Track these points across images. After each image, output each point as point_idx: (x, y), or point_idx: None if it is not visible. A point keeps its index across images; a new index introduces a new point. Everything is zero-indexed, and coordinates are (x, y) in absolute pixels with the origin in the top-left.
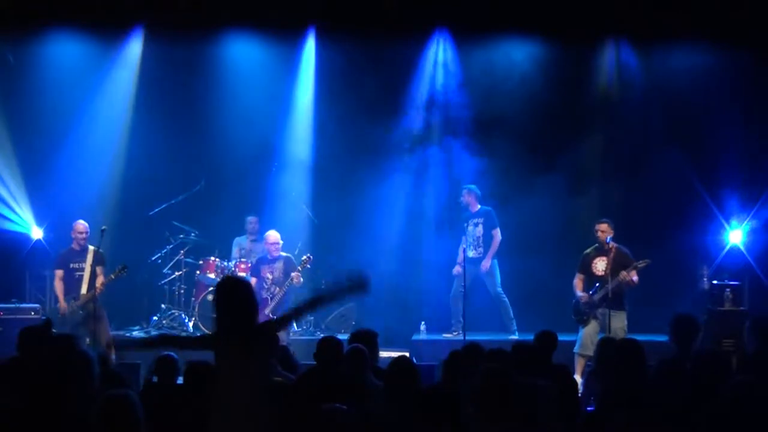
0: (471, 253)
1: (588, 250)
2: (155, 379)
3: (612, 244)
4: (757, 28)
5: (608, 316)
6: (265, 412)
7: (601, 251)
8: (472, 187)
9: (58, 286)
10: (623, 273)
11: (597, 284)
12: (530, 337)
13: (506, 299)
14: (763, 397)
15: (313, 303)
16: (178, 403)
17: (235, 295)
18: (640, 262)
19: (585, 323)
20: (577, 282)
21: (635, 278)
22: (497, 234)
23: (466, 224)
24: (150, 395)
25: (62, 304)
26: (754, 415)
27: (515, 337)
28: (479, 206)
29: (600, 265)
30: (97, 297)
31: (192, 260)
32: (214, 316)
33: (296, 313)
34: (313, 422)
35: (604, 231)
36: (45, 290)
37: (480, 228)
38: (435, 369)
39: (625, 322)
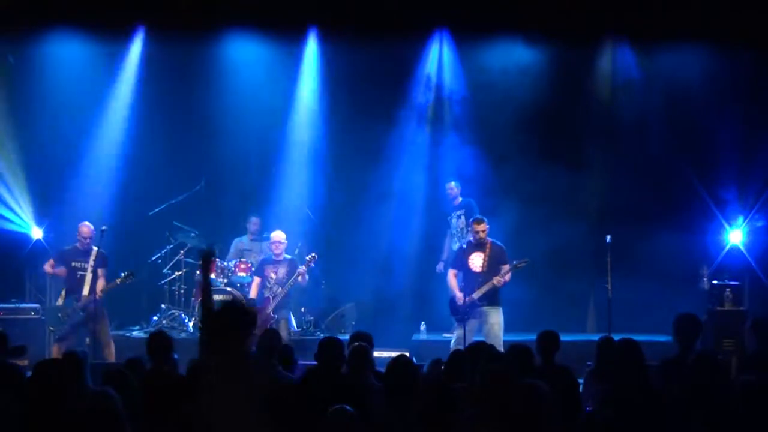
0: (456, 246)
1: (463, 246)
2: None
3: (487, 240)
4: (757, 28)
5: (485, 312)
6: (264, 413)
7: (477, 246)
8: (455, 182)
9: (49, 272)
10: (497, 278)
11: (475, 282)
12: (531, 337)
13: None
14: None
15: (204, 290)
16: (181, 401)
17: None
18: (519, 261)
19: (465, 322)
20: (451, 277)
21: (508, 278)
22: None
23: (449, 218)
24: (152, 393)
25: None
26: (757, 415)
27: None
28: (461, 198)
29: (477, 261)
30: (98, 298)
31: (192, 260)
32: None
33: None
34: (316, 423)
35: (485, 230)
36: (45, 290)
37: (462, 219)
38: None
39: (502, 318)
